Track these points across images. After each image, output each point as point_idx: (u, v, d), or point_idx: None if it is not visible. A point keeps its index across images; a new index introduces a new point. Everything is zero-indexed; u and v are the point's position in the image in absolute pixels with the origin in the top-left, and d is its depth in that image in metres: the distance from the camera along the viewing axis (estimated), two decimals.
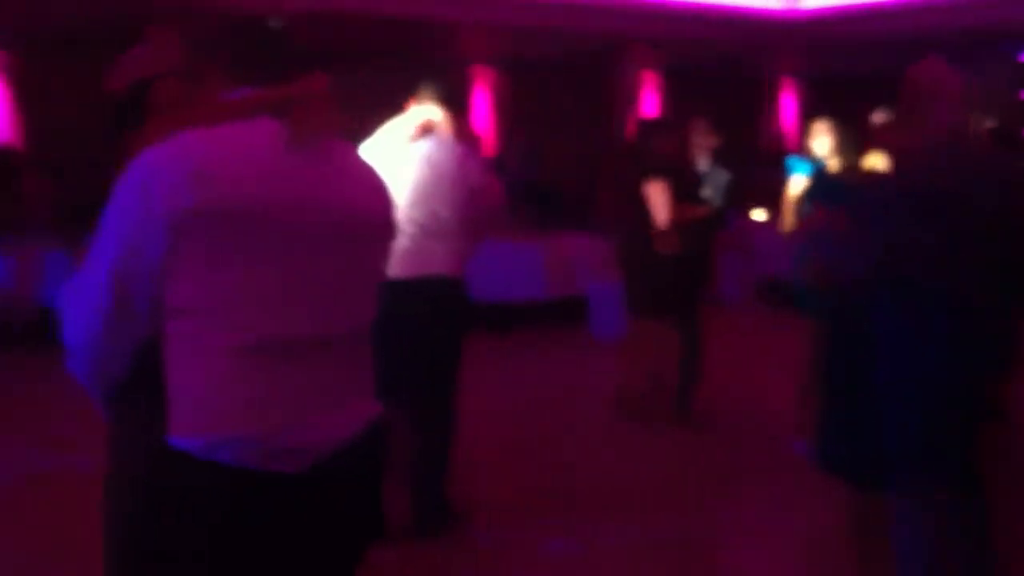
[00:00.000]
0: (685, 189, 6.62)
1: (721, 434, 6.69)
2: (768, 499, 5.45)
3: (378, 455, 2.22)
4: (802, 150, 6.67)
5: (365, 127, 4.60)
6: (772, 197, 11.89)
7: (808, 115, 15.59)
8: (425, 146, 4.58)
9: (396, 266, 4.41)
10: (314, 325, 2.03)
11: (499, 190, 4.86)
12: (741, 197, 12.31)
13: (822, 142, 6.17)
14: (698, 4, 12.36)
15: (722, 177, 7.15)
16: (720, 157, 7.31)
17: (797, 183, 6.57)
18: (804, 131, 6.86)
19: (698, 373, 6.87)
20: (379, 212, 2.20)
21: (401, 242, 4.41)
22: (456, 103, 4.78)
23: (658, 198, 6.47)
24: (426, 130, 4.60)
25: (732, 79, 15.47)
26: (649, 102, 15.31)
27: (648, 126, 7.00)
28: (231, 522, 1.96)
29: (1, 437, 6.48)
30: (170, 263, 1.90)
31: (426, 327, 4.53)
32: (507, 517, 5.10)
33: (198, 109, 2.06)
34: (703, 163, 7.16)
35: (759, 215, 12.22)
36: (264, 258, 1.95)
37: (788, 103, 17.20)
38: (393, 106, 4.69)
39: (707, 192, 6.91)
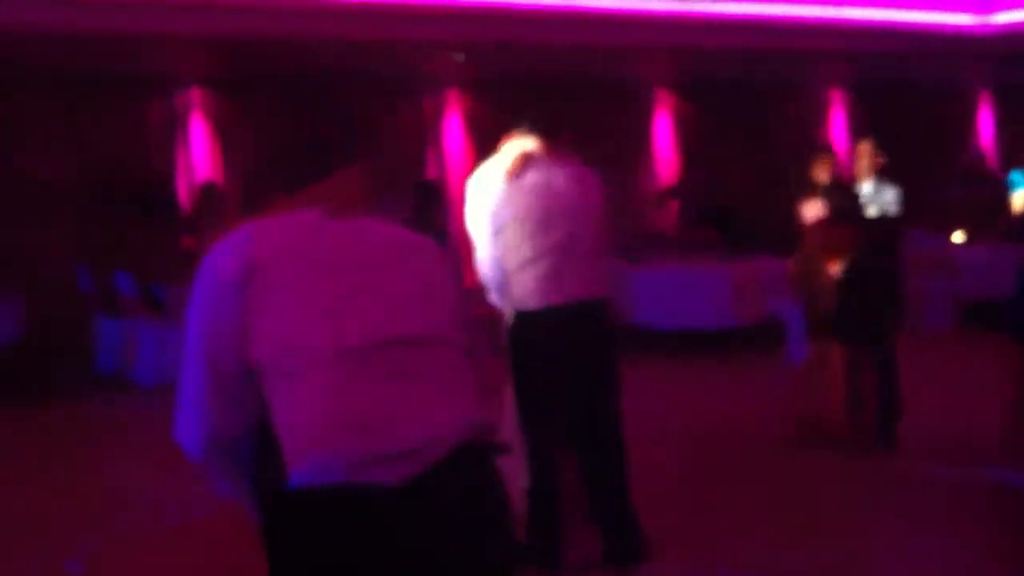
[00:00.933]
0: (843, 209, 6.56)
1: (918, 464, 6.43)
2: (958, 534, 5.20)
3: (486, 464, 2.22)
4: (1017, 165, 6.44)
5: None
6: (976, 215, 11.44)
7: (1006, 129, 15.00)
8: (530, 176, 4.49)
9: (528, 299, 4.41)
10: (378, 331, 2.13)
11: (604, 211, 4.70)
12: (936, 216, 11.91)
13: None
14: (887, 20, 12.02)
15: (888, 194, 6.91)
16: (893, 175, 7.09)
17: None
18: (1007, 145, 6.67)
19: (895, 400, 6.64)
20: (400, 239, 2.33)
21: (528, 275, 4.39)
22: (550, 130, 4.65)
23: (811, 215, 6.57)
24: (526, 161, 4.53)
25: (925, 95, 14.96)
26: (838, 120, 14.96)
27: (804, 150, 7.11)
28: (350, 544, 2.02)
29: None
30: (245, 325, 2.11)
31: (565, 355, 4.45)
32: (698, 547, 5.01)
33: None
34: (868, 183, 6.96)
35: (959, 237, 11.74)
36: (315, 287, 2.14)
37: (985, 118, 16.52)
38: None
39: (872, 211, 6.72)
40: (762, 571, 4.77)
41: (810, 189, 6.79)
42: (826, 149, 7.32)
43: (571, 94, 12.06)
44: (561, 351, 4.45)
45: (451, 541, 2.09)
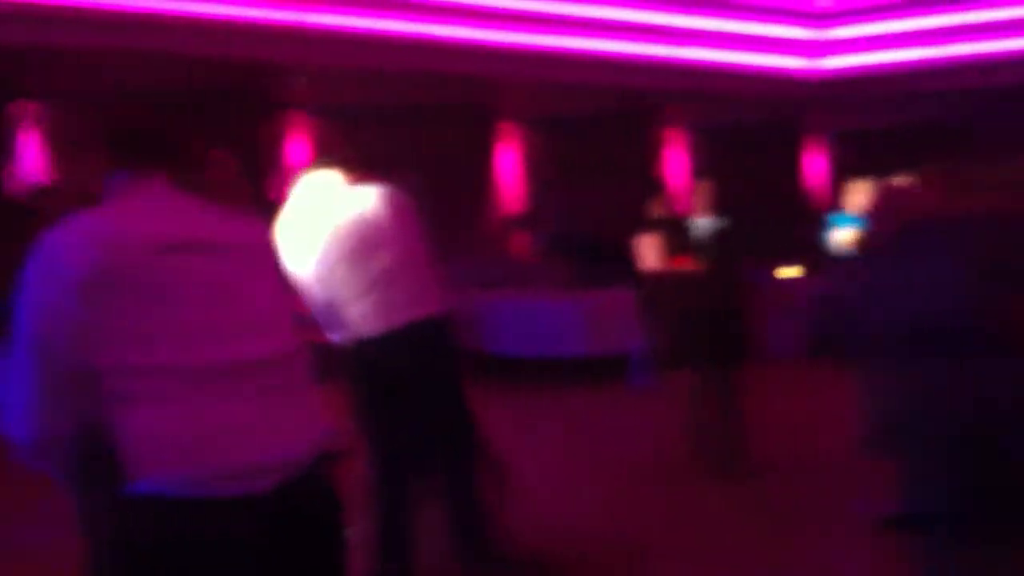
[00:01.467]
0: (678, 242, 6.77)
1: (768, 489, 6.57)
2: (819, 556, 5.33)
3: (330, 476, 2.23)
4: (838, 206, 6.75)
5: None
6: (809, 253, 11.85)
7: (839, 171, 15.64)
8: (338, 209, 4.51)
9: (367, 326, 4.41)
10: (233, 350, 2.09)
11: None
12: (770, 253, 12.32)
13: (860, 200, 6.37)
14: (724, 63, 12.43)
15: (726, 229, 7.09)
16: (731, 212, 7.27)
17: (843, 236, 6.57)
18: (838, 187, 6.98)
19: (739, 428, 6.79)
20: (259, 236, 2.35)
21: (363, 304, 4.40)
22: (356, 161, 4.70)
23: (647, 251, 6.78)
24: (332, 194, 4.56)
25: (761, 136, 15.51)
26: (678, 159, 15.36)
27: (646, 186, 7.34)
28: (207, 553, 2.00)
29: None
30: (87, 327, 2.00)
31: (411, 375, 4.46)
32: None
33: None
34: (706, 219, 7.13)
35: (790, 272, 12.14)
36: (170, 298, 2.06)
37: (818, 160, 17.22)
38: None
39: (711, 245, 6.90)
40: None
41: (648, 224, 6.96)
42: (663, 186, 7.56)
43: (417, 121, 12.05)
44: (408, 371, 4.45)
45: (311, 548, 2.12)
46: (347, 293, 4.43)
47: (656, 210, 7.17)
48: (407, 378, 4.46)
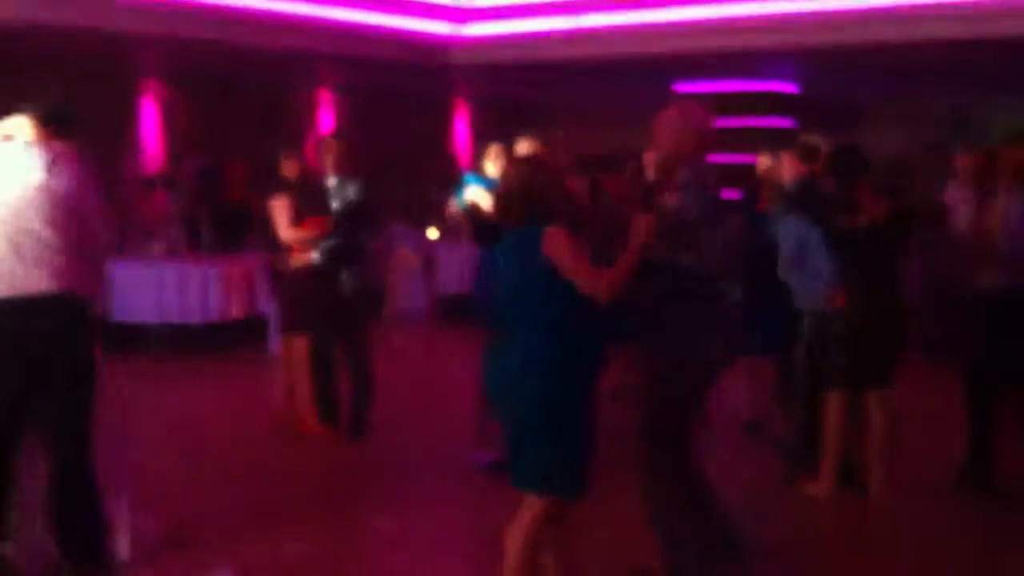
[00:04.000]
0: (310, 205, 6.85)
1: (393, 448, 6.82)
2: (440, 507, 5.65)
3: None
4: (476, 169, 6.93)
5: None
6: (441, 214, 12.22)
7: (479, 136, 16.12)
8: (9, 156, 4.33)
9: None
10: None
11: (102, 211, 4.56)
12: (408, 214, 12.61)
13: (495, 164, 6.58)
14: (371, 25, 12.50)
15: (351, 189, 7.19)
16: (363, 171, 7.37)
17: (474, 193, 6.66)
18: (477, 152, 7.15)
19: (367, 389, 6.97)
20: None
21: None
22: (56, 120, 4.47)
23: (279, 215, 6.83)
24: (6, 138, 4.37)
25: (407, 100, 15.75)
26: (325, 120, 15.35)
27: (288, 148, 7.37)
28: None
29: None
30: None
31: (31, 349, 4.24)
32: (193, 548, 5.01)
33: None
34: (332, 178, 7.21)
35: (433, 233, 12.47)
36: None
37: (461, 125, 17.68)
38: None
39: (335, 206, 6.99)
40: (243, 566, 4.86)
41: (280, 185, 6.98)
42: (292, 147, 7.48)
43: (51, 76, 11.43)
44: (25, 346, 4.24)
45: None
46: None
47: (288, 171, 7.16)
48: (26, 354, 4.25)
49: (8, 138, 4.37)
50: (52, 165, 4.31)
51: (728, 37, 11.49)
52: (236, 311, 9.85)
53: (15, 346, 4.23)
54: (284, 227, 6.84)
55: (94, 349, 4.48)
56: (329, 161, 6.99)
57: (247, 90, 14.08)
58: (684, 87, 14.37)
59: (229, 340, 9.91)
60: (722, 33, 11.49)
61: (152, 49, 12.37)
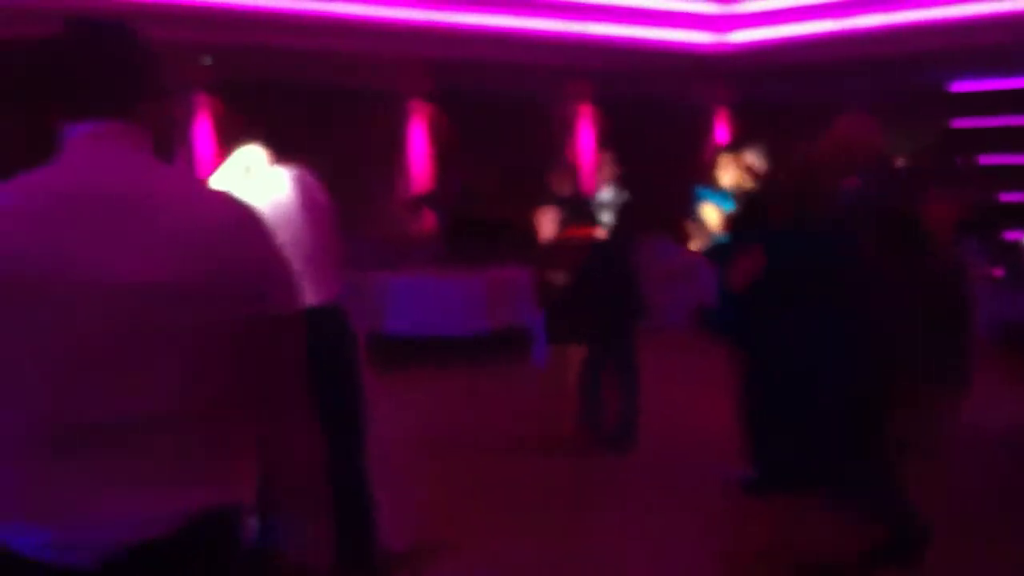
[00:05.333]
0: (578, 216, 6.91)
1: (652, 459, 6.73)
2: (693, 523, 5.50)
3: (211, 548, 1.90)
4: (709, 180, 6.77)
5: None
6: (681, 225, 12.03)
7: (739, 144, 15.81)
8: (251, 185, 4.47)
9: None
10: (93, 410, 1.76)
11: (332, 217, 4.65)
12: (667, 225, 12.46)
13: (727, 173, 6.33)
14: (631, 38, 12.50)
15: (622, 202, 7.16)
16: (633, 185, 7.36)
17: (707, 211, 6.50)
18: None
19: (634, 400, 6.92)
20: (189, 271, 1.80)
21: None
22: (284, 139, 4.65)
23: (545, 224, 6.91)
24: (247, 170, 4.55)
25: (666, 111, 15.65)
26: (585, 134, 15.45)
27: (550, 163, 7.51)
28: None
29: None
30: None
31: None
32: (457, 550, 5.11)
33: None
34: (607, 191, 7.23)
35: (696, 245, 12.28)
36: (27, 331, 1.73)
37: (721, 133, 17.41)
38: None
39: (606, 218, 7.01)
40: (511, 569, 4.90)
41: (548, 200, 7.04)
42: (564, 161, 7.60)
43: (323, 102, 12.02)
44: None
45: None
46: None
47: (558, 186, 7.24)
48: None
49: (248, 169, 4.57)
50: (294, 186, 4.48)
51: (1002, 32, 10.84)
52: (498, 323, 10.02)
53: None
54: (548, 234, 6.92)
55: (357, 358, 4.64)
56: (603, 174, 7.05)
57: (507, 106, 14.32)
58: (959, 86, 13.66)
59: (492, 351, 10.09)
60: (997, 28, 10.85)
61: (417, 71, 12.80)
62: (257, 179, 4.52)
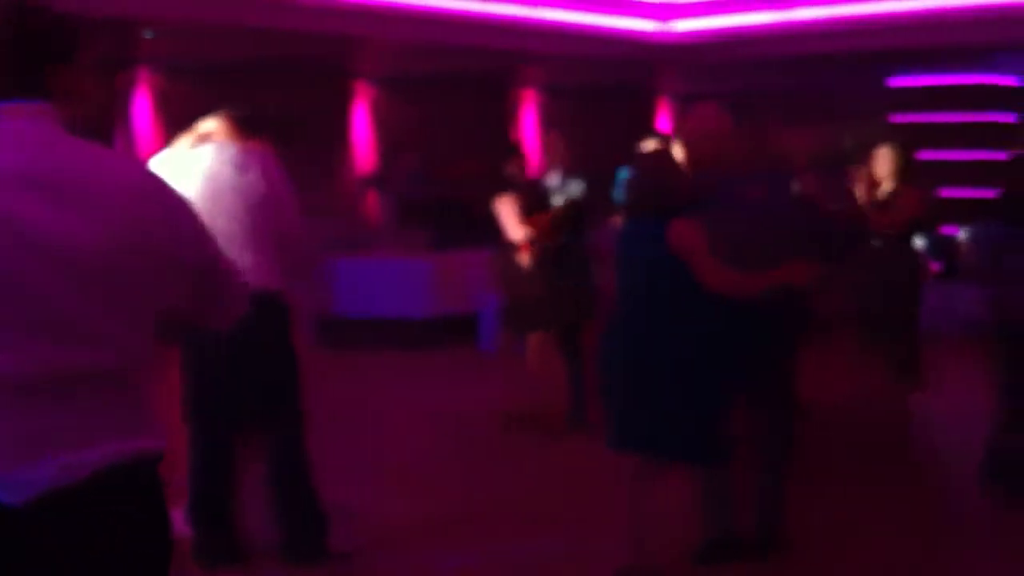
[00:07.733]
0: (534, 203, 6.90)
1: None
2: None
3: (131, 494, 2.00)
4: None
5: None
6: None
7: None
8: (202, 156, 4.44)
9: None
10: (29, 362, 1.88)
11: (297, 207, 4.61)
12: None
13: None
14: (578, 24, 12.51)
15: (574, 186, 7.18)
16: (577, 170, 7.37)
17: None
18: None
19: (586, 385, 6.95)
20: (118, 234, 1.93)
21: None
22: (251, 118, 4.61)
23: (507, 213, 6.85)
24: (203, 139, 4.49)
25: (612, 98, 15.70)
26: (530, 119, 15.46)
27: (501, 147, 7.55)
28: None
29: None
30: None
31: (237, 345, 4.22)
32: (404, 535, 5.07)
33: None
34: (555, 176, 7.24)
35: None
36: None
37: (663, 121, 17.52)
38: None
39: (558, 204, 7.02)
40: (482, 556, 4.90)
41: (504, 185, 7.05)
42: (517, 147, 7.58)
43: (267, 80, 11.87)
44: (233, 341, 4.27)
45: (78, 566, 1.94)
46: None
47: (512, 171, 7.23)
48: (234, 348, 4.31)
49: (204, 138, 4.51)
50: (242, 163, 4.43)
51: (942, 32, 11.02)
52: (449, 306, 10.02)
53: (216, 343, 4.27)
54: (513, 226, 6.89)
55: (293, 342, 4.59)
56: (554, 158, 7.06)
57: (456, 91, 14.27)
58: (898, 81, 13.86)
59: (437, 335, 10.08)
60: (936, 28, 11.03)
61: (365, 51, 12.70)
62: (198, 154, 4.44)
